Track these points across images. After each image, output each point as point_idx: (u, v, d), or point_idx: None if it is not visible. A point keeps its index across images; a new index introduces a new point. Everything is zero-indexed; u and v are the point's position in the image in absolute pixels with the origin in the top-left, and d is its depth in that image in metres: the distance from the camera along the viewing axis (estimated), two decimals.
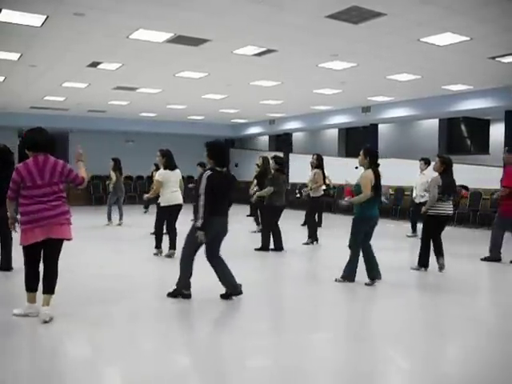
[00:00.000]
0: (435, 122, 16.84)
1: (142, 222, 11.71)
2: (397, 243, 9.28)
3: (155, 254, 7.54)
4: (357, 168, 6.05)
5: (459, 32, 7.14)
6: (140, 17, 6.54)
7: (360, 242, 5.77)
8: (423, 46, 7.81)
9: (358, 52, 8.39)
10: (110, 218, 11.41)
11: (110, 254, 8.10)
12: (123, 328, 4.28)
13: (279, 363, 3.58)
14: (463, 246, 9.10)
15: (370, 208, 5.71)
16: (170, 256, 7.34)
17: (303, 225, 10.98)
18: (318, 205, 9.30)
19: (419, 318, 4.84)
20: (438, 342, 4.12)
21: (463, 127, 17.62)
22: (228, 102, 14.16)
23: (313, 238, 8.83)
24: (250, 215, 12.38)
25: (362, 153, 5.83)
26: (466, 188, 10.77)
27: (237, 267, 5.19)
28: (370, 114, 14.96)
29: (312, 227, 8.93)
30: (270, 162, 8.38)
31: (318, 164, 9.07)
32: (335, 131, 19.97)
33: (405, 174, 12.48)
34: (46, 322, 4.20)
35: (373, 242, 5.88)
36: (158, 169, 9.42)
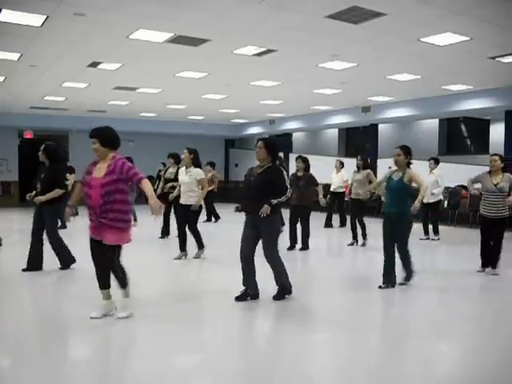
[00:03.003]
0: (435, 122, 16.83)
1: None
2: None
3: (178, 258, 7.37)
4: (390, 168, 5.87)
5: (459, 32, 7.14)
6: (140, 17, 6.55)
7: None
8: (423, 45, 7.82)
9: (358, 52, 8.39)
10: (135, 218, 11.22)
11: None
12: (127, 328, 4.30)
13: (281, 363, 3.59)
14: (463, 246, 9.12)
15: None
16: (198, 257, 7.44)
17: (326, 226, 11.62)
18: (365, 206, 9.25)
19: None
20: (438, 343, 4.13)
21: (463, 127, 17.62)
22: (228, 101, 14.16)
23: (365, 238, 8.97)
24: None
25: (401, 152, 5.68)
26: (465, 188, 10.77)
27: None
28: (370, 114, 14.95)
29: (364, 228, 8.95)
30: (295, 162, 8.46)
31: (365, 165, 9.07)
32: (335, 131, 19.97)
33: None
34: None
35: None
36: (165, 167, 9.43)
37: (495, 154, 6.50)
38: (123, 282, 4.43)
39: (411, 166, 5.74)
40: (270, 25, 6.85)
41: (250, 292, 5.10)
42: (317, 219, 11.64)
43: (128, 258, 6.54)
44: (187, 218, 7.29)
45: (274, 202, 4.85)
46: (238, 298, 5.06)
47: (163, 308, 4.87)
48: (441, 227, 9.99)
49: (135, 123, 18.51)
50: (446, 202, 12.50)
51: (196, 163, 7.26)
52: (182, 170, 7.40)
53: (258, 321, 4.72)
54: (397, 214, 5.62)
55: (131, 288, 4.51)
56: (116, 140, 4.36)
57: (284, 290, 5.11)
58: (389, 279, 5.68)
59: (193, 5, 6.07)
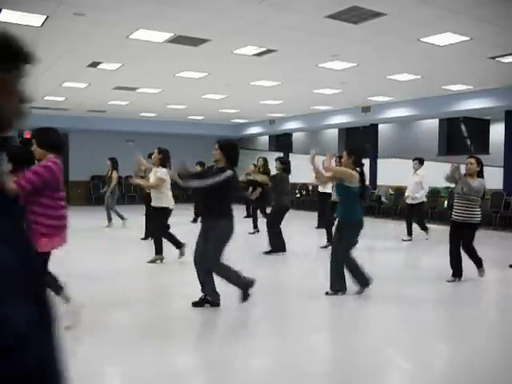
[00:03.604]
0: (435, 122, 16.84)
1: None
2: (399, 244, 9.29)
3: (152, 262, 7.04)
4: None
5: (459, 32, 7.14)
6: (140, 17, 6.54)
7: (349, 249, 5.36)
8: (423, 45, 7.82)
9: (358, 52, 8.39)
10: (122, 217, 11.13)
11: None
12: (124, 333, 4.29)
13: (280, 364, 3.59)
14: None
15: (358, 211, 5.39)
16: (181, 256, 7.10)
17: (318, 227, 11.03)
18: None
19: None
20: (437, 343, 4.13)
21: (463, 127, 17.62)
22: (228, 101, 14.16)
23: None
24: (246, 216, 12.41)
25: (345, 153, 5.44)
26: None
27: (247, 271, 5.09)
28: (370, 114, 14.95)
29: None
30: (275, 162, 8.32)
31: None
32: (335, 131, 19.97)
33: (405, 174, 12.47)
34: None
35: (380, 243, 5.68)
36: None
37: (472, 157, 6.10)
38: (56, 289, 4.20)
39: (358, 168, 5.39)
40: (270, 25, 6.85)
41: (208, 299, 4.83)
42: (311, 219, 11.61)
43: (123, 259, 6.54)
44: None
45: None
46: (194, 304, 4.83)
47: (148, 311, 4.89)
48: (440, 227, 9.98)
49: (135, 123, 18.53)
50: (446, 202, 12.50)
51: (163, 164, 7.08)
52: (154, 170, 7.23)
53: (248, 323, 4.71)
54: (340, 220, 5.35)
55: (121, 292, 4.50)
56: (54, 143, 4.06)
57: (246, 288, 4.75)
58: (337, 286, 5.37)
59: (193, 5, 6.07)
